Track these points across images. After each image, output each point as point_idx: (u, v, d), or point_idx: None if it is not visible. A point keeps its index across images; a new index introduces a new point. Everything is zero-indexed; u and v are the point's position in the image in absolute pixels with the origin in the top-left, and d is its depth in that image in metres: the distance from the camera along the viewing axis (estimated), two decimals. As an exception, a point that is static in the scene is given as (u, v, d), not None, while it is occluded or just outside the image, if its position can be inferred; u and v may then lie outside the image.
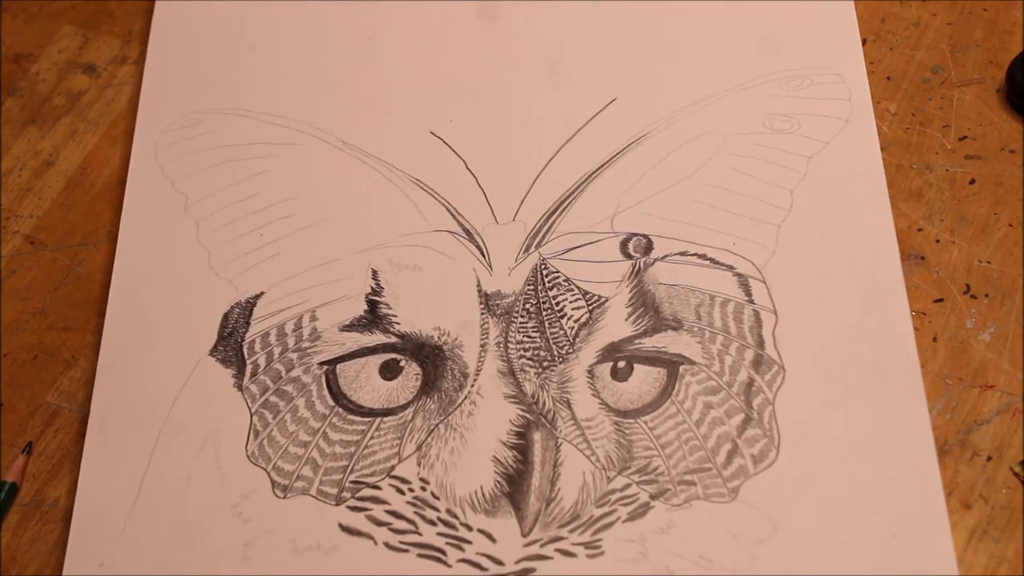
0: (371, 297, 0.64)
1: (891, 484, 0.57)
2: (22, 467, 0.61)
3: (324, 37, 0.74)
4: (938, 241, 0.65)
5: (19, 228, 0.70)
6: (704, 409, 0.60)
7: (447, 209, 0.67)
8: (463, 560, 0.56)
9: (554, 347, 0.62)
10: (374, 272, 0.65)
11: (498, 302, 0.63)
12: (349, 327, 0.63)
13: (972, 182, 0.67)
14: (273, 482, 0.59)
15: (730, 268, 0.64)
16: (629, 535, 0.57)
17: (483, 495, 0.58)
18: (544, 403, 0.60)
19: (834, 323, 0.61)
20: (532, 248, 0.65)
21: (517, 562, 0.56)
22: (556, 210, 0.66)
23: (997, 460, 0.59)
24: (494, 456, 0.59)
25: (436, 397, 0.61)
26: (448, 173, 0.68)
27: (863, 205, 0.65)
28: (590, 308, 0.63)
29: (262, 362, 0.63)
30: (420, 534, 0.57)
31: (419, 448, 0.59)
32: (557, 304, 0.63)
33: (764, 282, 0.63)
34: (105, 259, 0.68)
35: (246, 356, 0.63)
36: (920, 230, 0.66)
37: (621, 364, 0.61)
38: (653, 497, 0.57)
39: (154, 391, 0.62)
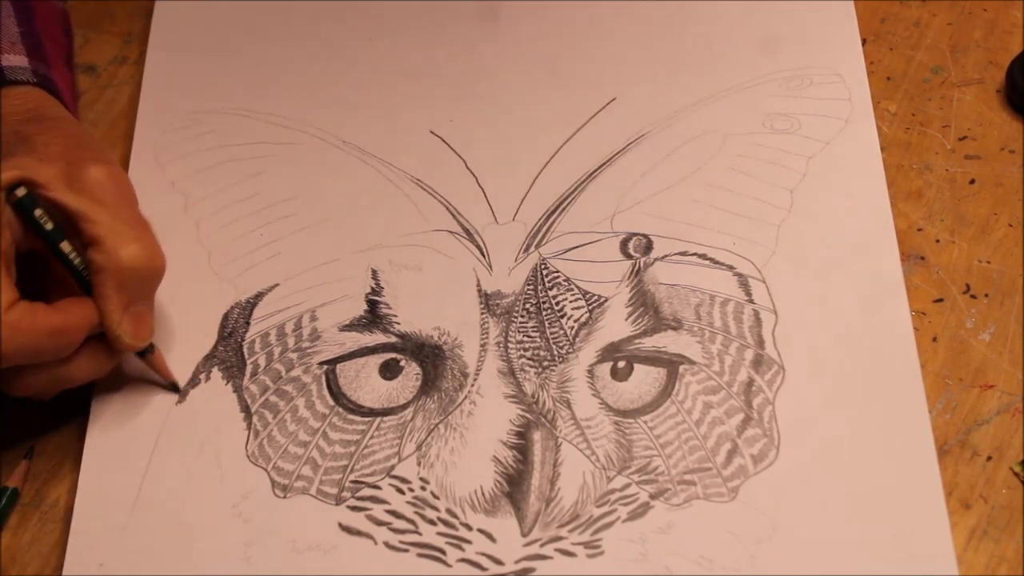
0: (371, 297, 0.64)
1: (891, 484, 0.57)
2: (24, 473, 0.61)
3: (324, 37, 0.74)
4: (938, 241, 0.65)
5: (19, 228, 0.69)
6: (704, 409, 0.60)
7: (447, 209, 0.67)
8: (463, 560, 0.56)
9: (554, 347, 0.62)
10: (374, 272, 0.65)
11: (498, 302, 0.63)
12: (349, 327, 0.63)
13: (972, 182, 0.67)
14: (273, 482, 0.59)
15: (730, 268, 0.64)
16: (629, 535, 0.56)
17: (483, 495, 0.58)
18: (544, 403, 0.60)
19: (834, 323, 0.61)
20: (532, 248, 0.65)
21: (517, 562, 0.56)
22: (556, 210, 0.66)
23: (997, 460, 0.59)
24: (494, 456, 0.59)
25: (436, 397, 0.61)
26: (448, 173, 0.68)
27: (863, 205, 0.65)
28: (590, 308, 0.63)
29: (262, 362, 0.63)
30: (420, 534, 0.57)
31: (419, 448, 0.59)
32: (557, 304, 0.63)
33: (764, 282, 0.63)
34: (105, 259, 0.67)
35: (246, 356, 0.63)
36: (920, 230, 0.66)
37: (621, 364, 0.61)
38: (653, 497, 0.57)
39: (154, 391, 0.62)
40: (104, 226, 0.57)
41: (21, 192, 0.56)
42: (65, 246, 0.57)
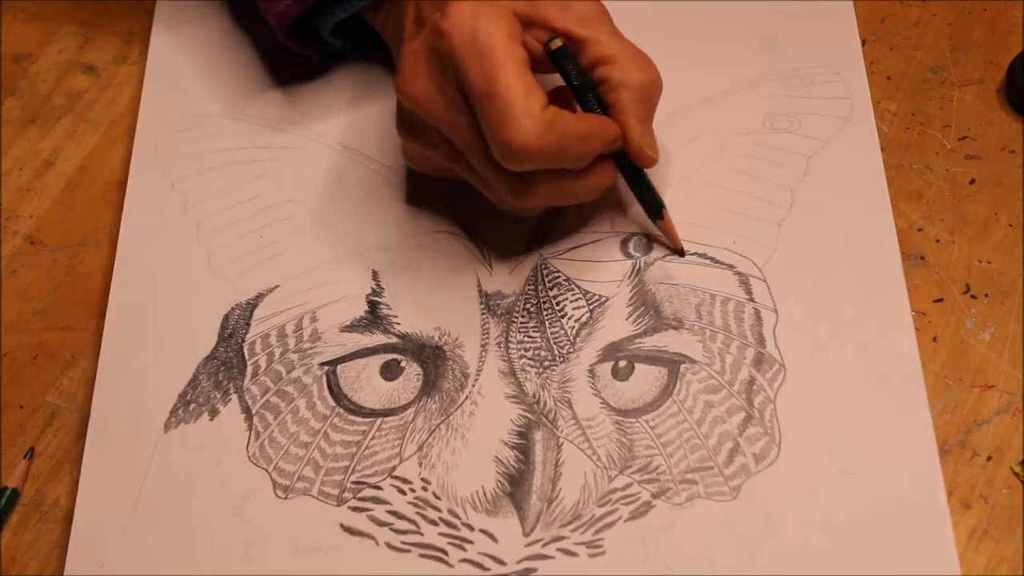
0: (371, 298, 0.64)
1: (893, 483, 0.57)
2: (24, 472, 0.61)
3: (324, 37, 0.74)
4: (938, 241, 0.65)
5: (19, 228, 0.70)
6: (705, 408, 0.60)
7: (447, 209, 0.67)
8: (465, 560, 0.56)
9: (555, 347, 0.62)
10: (374, 273, 0.65)
11: (498, 302, 0.63)
12: (350, 328, 0.63)
13: (972, 182, 0.67)
14: (274, 483, 0.59)
15: (731, 267, 0.64)
16: (630, 534, 0.57)
17: (485, 495, 0.58)
18: (545, 403, 0.60)
19: (835, 322, 0.61)
20: (532, 248, 0.65)
21: (519, 562, 0.56)
22: (556, 209, 0.66)
23: (997, 460, 0.59)
24: (495, 456, 0.59)
25: (437, 397, 0.61)
26: (448, 173, 0.68)
27: (863, 205, 0.65)
28: (591, 307, 0.63)
29: (263, 363, 0.63)
30: (422, 534, 0.57)
31: (420, 448, 0.59)
32: (557, 304, 0.63)
33: (765, 281, 0.63)
34: (105, 259, 0.68)
35: (247, 357, 0.63)
36: (920, 230, 0.66)
37: (622, 363, 0.61)
38: (655, 496, 0.57)
39: (154, 391, 0.62)
40: (612, 47, 0.60)
41: (557, 44, 0.60)
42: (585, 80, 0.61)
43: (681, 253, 0.64)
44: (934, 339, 0.62)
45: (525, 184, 0.59)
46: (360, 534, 0.57)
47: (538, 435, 0.59)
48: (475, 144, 0.58)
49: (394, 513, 0.58)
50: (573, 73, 0.60)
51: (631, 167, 0.62)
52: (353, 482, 0.59)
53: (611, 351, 0.61)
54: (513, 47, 0.57)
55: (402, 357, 0.62)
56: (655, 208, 0.63)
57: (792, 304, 0.62)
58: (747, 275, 0.63)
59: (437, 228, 0.66)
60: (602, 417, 0.60)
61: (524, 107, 0.56)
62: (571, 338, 0.62)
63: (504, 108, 0.56)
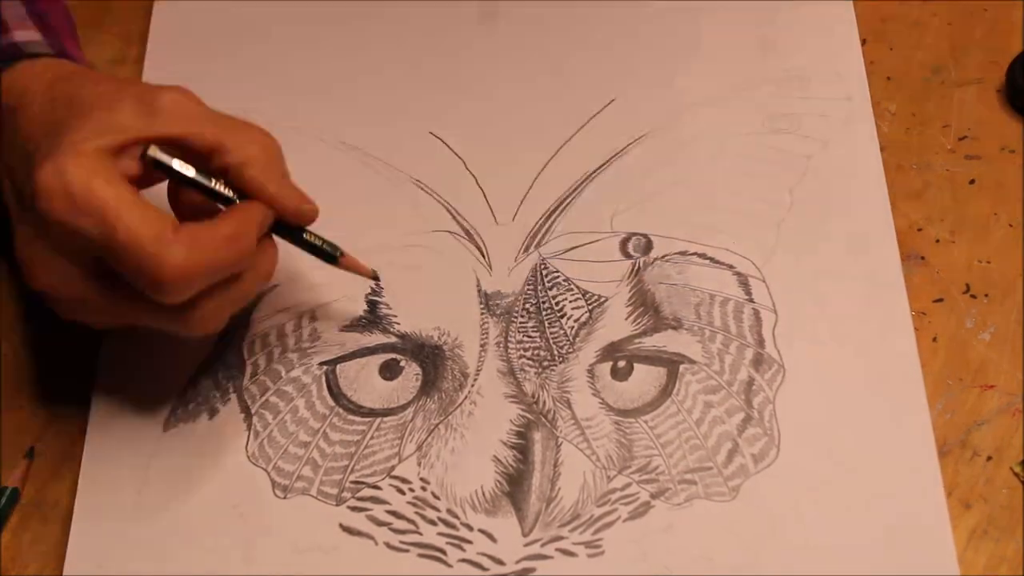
0: (371, 297, 0.64)
1: (892, 484, 0.57)
2: (24, 472, 0.61)
3: (324, 38, 0.74)
4: (938, 241, 0.65)
5: (19, 228, 0.69)
6: (704, 408, 0.60)
7: (447, 209, 0.67)
8: (464, 560, 0.56)
9: (554, 347, 0.62)
10: (374, 272, 0.65)
11: (498, 302, 0.63)
12: (349, 327, 0.63)
13: (972, 182, 0.67)
14: (273, 482, 0.59)
15: (730, 267, 0.64)
16: (630, 534, 0.57)
17: (484, 495, 0.58)
18: (544, 403, 0.60)
19: (834, 322, 0.61)
20: (532, 248, 0.65)
21: (518, 562, 0.56)
22: (556, 210, 0.66)
23: (997, 460, 0.59)
24: (494, 456, 0.59)
25: (436, 397, 0.61)
26: (448, 173, 0.68)
27: (863, 205, 0.65)
28: (590, 308, 0.63)
29: (262, 362, 0.63)
30: (421, 534, 0.57)
31: (419, 448, 0.59)
32: (557, 304, 0.63)
33: (764, 281, 0.63)
34: (105, 259, 0.67)
35: (246, 356, 0.63)
36: (920, 230, 0.66)
37: (621, 363, 0.61)
38: (654, 496, 0.57)
39: (154, 391, 0.62)
40: (215, 134, 0.56)
41: (154, 154, 0.55)
42: (199, 175, 0.56)
43: (376, 277, 0.61)
44: (934, 339, 0.62)
45: (193, 311, 0.55)
46: (359, 534, 0.57)
47: (537, 435, 0.59)
48: (127, 301, 0.54)
49: (393, 513, 0.58)
50: (187, 172, 0.56)
51: (289, 229, 0.58)
52: (352, 482, 0.59)
53: (610, 351, 0.61)
54: (113, 185, 0.52)
55: (401, 357, 0.62)
56: (331, 254, 0.60)
57: (792, 304, 0.62)
58: (746, 275, 0.63)
59: (437, 228, 0.66)
60: (601, 417, 0.60)
61: (154, 239, 0.52)
62: (570, 338, 0.62)
63: (136, 250, 0.51)
